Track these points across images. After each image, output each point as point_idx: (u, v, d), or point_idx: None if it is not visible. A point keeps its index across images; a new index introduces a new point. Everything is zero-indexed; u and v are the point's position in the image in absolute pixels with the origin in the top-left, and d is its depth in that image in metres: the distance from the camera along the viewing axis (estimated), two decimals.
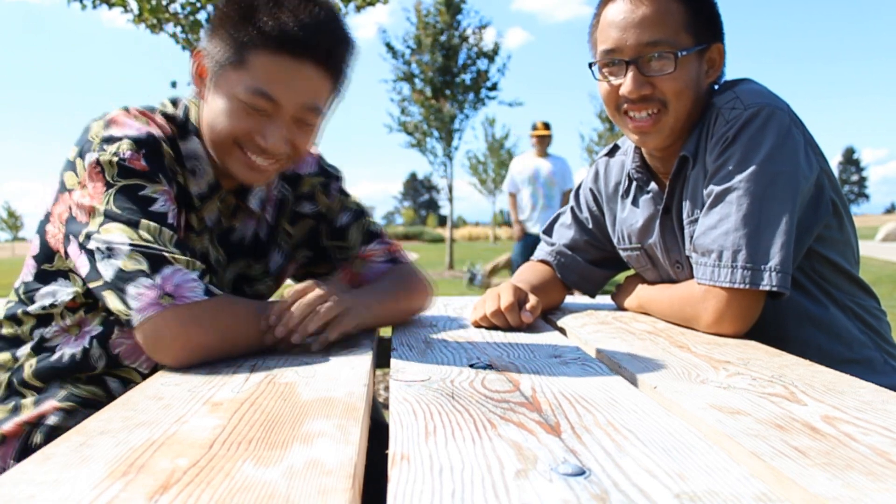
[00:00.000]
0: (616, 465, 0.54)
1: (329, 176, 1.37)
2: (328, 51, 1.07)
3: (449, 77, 16.08)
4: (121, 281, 0.95)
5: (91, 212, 0.99)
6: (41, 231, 1.11)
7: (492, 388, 0.81)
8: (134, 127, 1.05)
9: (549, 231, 1.73)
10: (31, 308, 1.11)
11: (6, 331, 1.13)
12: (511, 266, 7.71)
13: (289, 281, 1.42)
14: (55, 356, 1.09)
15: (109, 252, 0.96)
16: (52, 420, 1.07)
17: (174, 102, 1.18)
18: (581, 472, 0.52)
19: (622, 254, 1.58)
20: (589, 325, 1.36)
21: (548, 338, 1.19)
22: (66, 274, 1.10)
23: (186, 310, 0.94)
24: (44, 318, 1.11)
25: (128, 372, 1.13)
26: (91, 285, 0.99)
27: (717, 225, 1.20)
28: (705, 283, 1.21)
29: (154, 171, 1.03)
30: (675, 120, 1.30)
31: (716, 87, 1.36)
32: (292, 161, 1.15)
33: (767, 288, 1.14)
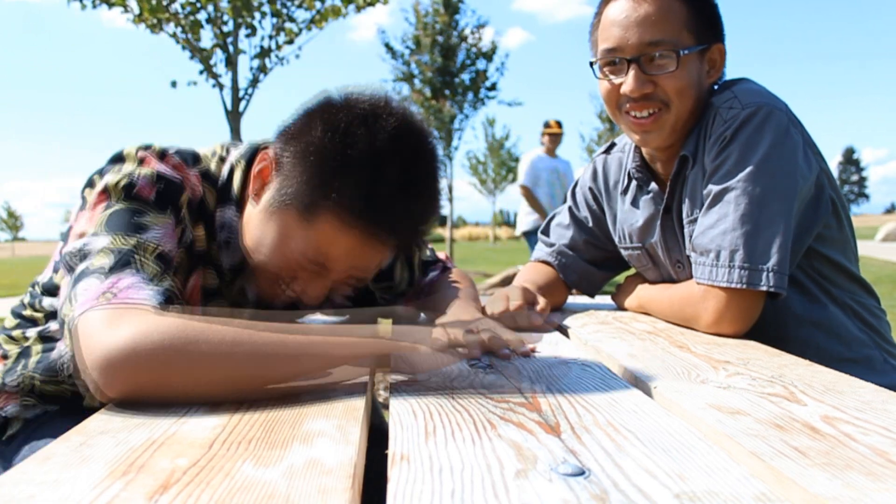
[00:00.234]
0: (616, 465, 0.54)
1: None
2: (408, 241, 1.00)
3: (448, 77, 16.11)
4: (76, 281, 0.82)
5: (81, 237, 0.89)
6: (64, 240, 1.09)
7: (491, 388, 0.81)
8: (166, 167, 0.97)
9: (546, 231, 1.73)
10: (45, 303, 1.12)
11: (27, 312, 1.14)
12: None
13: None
14: (55, 352, 1.10)
15: (82, 256, 0.85)
16: (9, 411, 1.08)
17: (222, 157, 1.07)
18: (581, 473, 0.52)
19: (623, 252, 1.58)
20: (589, 325, 1.36)
21: (548, 338, 1.19)
22: None
23: (124, 311, 0.75)
24: (52, 314, 1.12)
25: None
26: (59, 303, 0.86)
27: (715, 224, 1.20)
28: (704, 283, 1.21)
29: (162, 204, 0.93)
30: (676, 119, 1.30)
31: (715, 87, 1.36)
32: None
33: (764, 288, 1.14)
